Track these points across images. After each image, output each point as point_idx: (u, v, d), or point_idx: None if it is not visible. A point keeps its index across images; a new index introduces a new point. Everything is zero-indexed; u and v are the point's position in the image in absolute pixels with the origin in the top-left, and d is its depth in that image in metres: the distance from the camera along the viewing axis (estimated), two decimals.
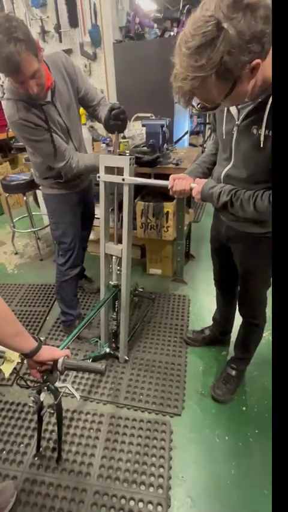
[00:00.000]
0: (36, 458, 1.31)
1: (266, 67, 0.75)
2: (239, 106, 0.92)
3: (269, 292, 1.27)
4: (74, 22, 2.25)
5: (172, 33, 2.28)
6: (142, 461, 1.27)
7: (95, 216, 2.37)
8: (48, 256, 2.89)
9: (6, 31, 1.05)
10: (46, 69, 1.28)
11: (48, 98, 1.33)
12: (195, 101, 0.88)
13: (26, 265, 2.79)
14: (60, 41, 2.35)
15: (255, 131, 0.88)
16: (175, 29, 2.30)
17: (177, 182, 1.15)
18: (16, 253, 3.00)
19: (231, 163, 1.04)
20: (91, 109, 1.55)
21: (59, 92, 1.36)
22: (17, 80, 1.17)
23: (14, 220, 3.00)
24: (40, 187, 1.67)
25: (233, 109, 0.94)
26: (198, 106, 0.84)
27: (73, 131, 1.50)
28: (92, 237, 2.91)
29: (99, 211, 2.32)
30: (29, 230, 2.92)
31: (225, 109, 0.97)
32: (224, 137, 1.02)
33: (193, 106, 0.84)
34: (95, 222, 2.43)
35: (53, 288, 2.37)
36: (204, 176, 1.21)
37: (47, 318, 2.12)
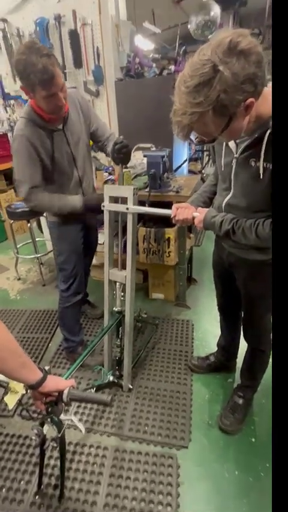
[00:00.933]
0: (37, 497, 1.25)
1: (259, 105, 0.82)
2: (237, 141, 0.98)
3: None
4: (78, 63, 2.43)
5: (169, 72, 2.44)
6: (149, 499, 1.21)
7: (99, 242, 2.42)
8: (50, 282, 2.90)
9: (37, 51, 1.18)
10: None
11: (60, 126, 1.43)
12: (193, 135, 0.94)
13: (29, 291, 2.80)
14: (65, 79, 2.52)
15: (253, 163, 0.94)
16: (172, 68, 2.46)
17: (180, 212, 1.19)
18: (19, 279, 3.02)
19: (231, 193, 1.08)
20: (100, 143, 1.66)
21: (72, 122, 1.46)
22: (49, 92, 1.24)
23: (18, 246, 3.04)
24: (44, 214, 1.71)
25: (231, 143, 1.00)
26: (196, 140, 0.90)
27: (79, 162, 1.56)
28: (95, 262, 2.94)
29: (102, 236, 2.37)
30: (32, 256, 2.96)
31: (224, 143, 1.03)
32: (223, 169, 1.08)
33: (191, 140, 0.89)
34: (99, 248, 2.47)
35: (55, 314, 2.36)
36: (205, 206, 1.25)
37: (50, 344, 2.10)
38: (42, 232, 3.37)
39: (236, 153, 0.99)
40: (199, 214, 1.15)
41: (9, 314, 2.44)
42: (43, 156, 1.42)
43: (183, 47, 2.67)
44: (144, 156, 1.81)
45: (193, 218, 1.17)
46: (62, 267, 1.73)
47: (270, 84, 0.81)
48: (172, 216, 1.22)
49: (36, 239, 2.97)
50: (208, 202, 1.27)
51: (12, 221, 2.84)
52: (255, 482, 1.26)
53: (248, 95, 0.75)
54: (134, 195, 1.33)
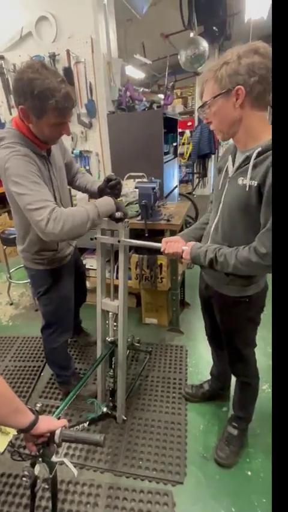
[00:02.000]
0: None
1: (257, 124, 0.96)
2: (235, 162, 1.07)
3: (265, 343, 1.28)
4: None
5: (158, 105, 2.57)
6: None
7: (91, 268, 2.44)
8: None
9: (55, 74, 1.09)
10: None
11: (46, 154, 1.32)
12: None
13: (21, 316, 2.77)
14: None
15: (241, 181, 1.00)
16: (162, 102, 2.60)
17: (170, 245, 1.23)
18: (11, 304, 2.99)
19: (218, 214, 1.13)
20: (70, 175, 1.58)
21: (53, 153, 1.39)
22: (63, 120, 1.16)
23: (11, 271, 3.04)
24: (24, 262, 1.51)
25: (230, 166, 1.08)
26: (203, 116, 1.04)
27: (61, 192, 1.46)
28: (88, 285, 2.95)
29: (94, 262, 2.40)
30: (26, 281, 2.95)
31: (225, 167, 1.11)
32: (219, 189, 1.13)
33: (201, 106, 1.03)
34: (91, 273, 2.49)
35: None
36: (195, 241, 1.30)
37: (42, 373, 2.06)
38: None
39: (231, 173, 1.06)
40: (187, 248, 1.19)
41: (1, 342, 2.40)
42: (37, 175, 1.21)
43: (172, 77, 2.82)
44: (136, 188, 1.88)
45: (182, 251, 1.21)
46: (51, 314, 1.57)
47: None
48: (162, 250, 1.26)
49: None
50: (198, 239, 1.31)
51: (5, 247, 2.86)
52: None
53: (240, 80, 0.91)
54: (125, 227, 1.37)
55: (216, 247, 1.09)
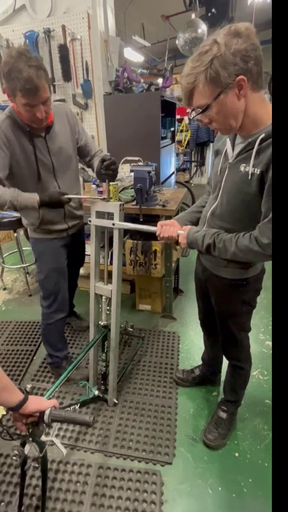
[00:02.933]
0: None
1: (258, 107, 0.91)
2: (235, 145, 1.02)
3: (256, 330, 1.29)
4: (67, 76, 2.46)
5: (157, 88, 2.50)
6: None
7: (86, 253, 2.42)
8: (37, 292, 2.87)
9: (27, 60, 1.18)
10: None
11: (42, 134, 1.41)
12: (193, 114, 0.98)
13: (14, 301, 2.76)
14: (54, 92, 2.54)
15: (242, 168, 0.97)
16: (160, 82, 2.52)
17: (165, 229, 1.21)
18: (4, 289, 2.97)
19: (218, 200, 1.11)
20: (87, 158, 1.66)
21: (55, 133, 1.44)
22: (31, 102, 1.23)
23: (4, 256, 3.00)
24: (28, 230, 1.68)
25: (229, 150, 1.04)
26: (193, 113, 0.96)
27: (60, 173, 1.52)
28: (82, 272, 2.93)
29: (88, 247, 2.37)
30: (19, 266, 2.92)
31: (224, 150, 1.06)
32: (218, 174, 1.09)
33: (192, 110, 0.96)
34: (85, 259, 2.47)
35: (40, 326, 2.33)
36: (191, 225, 1.28)
37: (34, 357, 2.06)
38: (29, 241, 3.33)
39: (231, 159, 1.03)
40: (183, 232, 1.17)
41: None
42: (19, 159, 1.38)
43: (172, 62, 2.74)
44: (131, 171, 1.84)
45: (178, 236, 1.19)
46: (42, 284, 1.69)
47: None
48: (157, 234, 1.24)
49: (23, 248, 2.93)
50: (195, 222, 1.28)
51: None
52: (237, 499, 1.26)
53: (239, 70, 0.83)
54: (120, 210, 1.34)
55: (215, 232, 1.07)
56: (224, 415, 1.49)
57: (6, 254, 3.15)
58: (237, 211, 1.04)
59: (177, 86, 6.46)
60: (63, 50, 2.39)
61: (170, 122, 2.91)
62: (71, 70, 2.43)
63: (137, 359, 1.97)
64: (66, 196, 1.42)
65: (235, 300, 1.21)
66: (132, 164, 1.91)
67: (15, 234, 2.77)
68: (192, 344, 2.11)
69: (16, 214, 2.68)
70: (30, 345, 2.17)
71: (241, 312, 1.24)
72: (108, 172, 1.39)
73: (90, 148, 1.64)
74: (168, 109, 2.72)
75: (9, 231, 3.97)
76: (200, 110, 0.92)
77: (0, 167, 1.35)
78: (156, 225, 1.25)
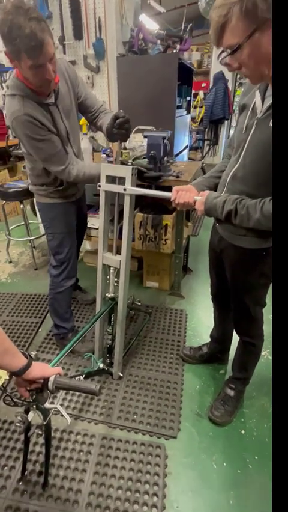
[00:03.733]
0: (20, 483, 1.22)
1: None
2: (265, 98, 0.91)
3: (266, 311, 1.22)
4: (78, 34, 2.28)
5: (175, 51, 2.32)
6: (135, 488, 1.19)
7: (94, 227, 2.35)
8: (43, 266, 2.83)
9: (25, 13, 1.03)
10: None
11: (52, 100, 1.31)
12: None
13: (20, 274, 2.73)
14: (64, 52, 2.38)
15: (271, 124, 0.86)
16: (178, 47, 2.34)
17: (181, 194, 1.12)
18: (10, 262, 2.94)
19: (240, 162, 1.01)
20: (90, 114, 1.53)
21: (62, 95, 1.35)
22: (36, 62, 1.10)
23: (10, 228, 2.95)
24: (35, 196, 1.62)
25: (259, 103, 0.93)
26: (223, 54, 0.83)
27: (72, 137, 1.46)
28: (89, 247, 2.88)
29: (97, 221, 2.30)
30: (25, 238, 2.87)
31: (252, 104, 0.95)
32: (243, 132, 0.99)
33: (222, 51, 0.82)
34: (93, 233, 2.40)
35: (46, 299, 2.30)
36: (208, 188, 1.18)
37: (39, 329, 2.05)
38: (36, 215, 3.26)
39: (259, 113, 0.92)
40: (201, 198, 1.08)
41: None
42: (47, 129, 1.32)
43: (190, 25, 2.53)
44: (145, 137, 1.72)
45: (194, 202, 1.11)
46: (56, 251, 1.65)
47: None
48: (172, 199, 1.15)
49: (30, 222, 2.87)
50: (213, 188, 1.18)
51: (4, 202, 2.74)
52: (243, 475, 1.24)
53: None
54: (132, 175, 1.25)
55: (237, 197, 0.98)
56: (231, 392, 1.45)
57: (13, 226, 3.10)
58: (262, 174, 0.94)
59: (196, 50, 6.10)
60: (75, 4, 2.19)
61: (186, 91, 2.73)
62: (83, 28, 2.25)
63: (143, 335, 1.94)
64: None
65: (253, 272, 1.13)
66: (146, 130, 1.79)
67: (22, 206, 2.70)
68: (199, 323, 2.06)
69: (22, 185, 2.60)
70: (35, 317, 2.15)
71: (258, 285, 1.16)
72: (120, 131, 1.28)
73: (92, 102, 1.51)
74: (185, 76, 2.54)
75: (16, 205, 3.91)
76: (230, 51, 0.79)
77: (61, 151, 1.36)
78: (170, 197, 1.16)
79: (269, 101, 0.89)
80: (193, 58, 4.84)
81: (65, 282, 1.70)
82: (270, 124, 0.87)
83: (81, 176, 1.42)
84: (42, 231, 3.04)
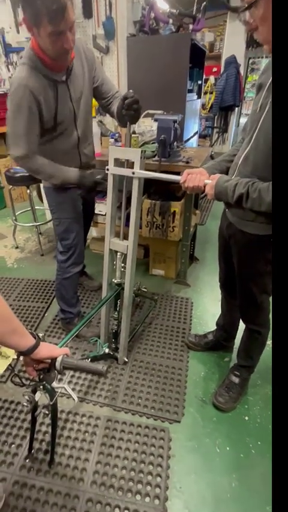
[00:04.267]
0: (27, 460, 1.25)
1: None
2: None
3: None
4: (88, 13, 2.21)
5: (187, 31, 2.23)
6: (138, 469, 1.21)
7: (101, 213, 2.33)
8: (49, 252, 2.84)
9: None
10: None
11: (64, 78, 1.26)
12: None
13: (26, 260, 2.74)
14: None
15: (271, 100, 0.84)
16: (190, 26, 2.25)
17: (191, 178, 1.10)
18: (17, 248, 2.95)
19: (252, 142, 0.98)
20: (104, 100, 1.49)
21: (75, 75, 1.30)
22: (57, 28, 1.05)
23: (17, 214, 2.95)
24: (42, 181, 1.60)
25: None
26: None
27: (80, 120, 1.42)
28: (95, 234, 2.87)
29: (104, 207, 2.28)
30: (31, 224, 2.87)
31: (268, 83, 0.91)
32: (257, 112, 0.96)
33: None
34: (100, 219, 2.39)
35: (52, 284, 2.31)
36: (220, 172, 1.15)
37: (46, 314, 2.06)
38: (42, 201, 3.25)
39: None
40: (211, 181, 1.05)
41: (5, 282, 2.39)
42: (44, 111, 1.27)
43: (204, 3, 2.42)
44: (155, 120, 1.68)
45: (204, 186, 1.08)
46: (63, 237, 1.63)
47: None
48: (181, 182, 1.12)
49: (36, 207, 2.86)
50: (225, 172, 1.15)
51: (11, 187, 2.73)
52: (245, 459, 1.26)
53: None
54: (141, 158, 1.22)
55: (249, 180, 0.95)
56: (236, 380, 1.46)
57: (19, 212, 3.09)
58: None
59: (208, 31, 5.88)
60: None
61: (198, 74, 2.64)
62: (93, 4, 2.17)
63: (148, 321, 1.94)
64: (98, 176, 1.46)
65: (260, 258, 1.11)
66: (156, 112, 1.75)
67: (28, 192, 2.68)
68: (205, 311, 2.06)
69: None
70: (41, 302, 2.16)
71: (265, 272, 1.14)
72: (129, 112, 1.24)
73: (108, 88, 1.47)
74: (197, 58, 2.45)
75: (22, 191, 3.90)
76: (246, 5, 0.78)
77: (34, 140, 1.29)
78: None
79: None
80: (206, 39, 4.67)
81: (72, 268, 1.70)
82: None
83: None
84: (48, 216, 3.04)
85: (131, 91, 1.24)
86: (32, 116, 1.25)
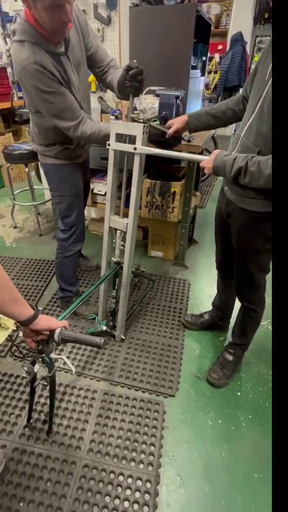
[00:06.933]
0: (26, 429, 1.30)
1: None
2: None
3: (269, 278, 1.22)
4: None
5: (193, 1, 2.13)
6: (133, 438, 1.26)
7: (100, 193, 2.31)
8: (47, 232, 2.83)
9: None
10: None
11: (63, 49, 1.20)
12: None
13: (25, 240, 2.73)
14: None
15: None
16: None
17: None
18: (15, 227, 2.93)
19: (256, 112, 0.97)
20: (99, 69, 1.43)
21: (72, 45, 1.23)
22: (56, 1, 0.98)
23: (15, 193, 2.91)
24: (40, 158, 1.54)
25: None
26: None
27: (81, 92, 1.37)
28: (94, 215, 2.85)
29: (103, 187, 2.25)
30: (30, 203, 2.84)
31: None
32: (265, 78, 0.93)
33: None
34: (99, 199, 2.36)
35: (51, 264, 2.32)
36: (200, 125, 1.24)
37: (44, 293, 2.08)
38: (40, 181, 3.21)
39: None
40: (209, 156, 1.04)
41: (4, 261, 2.39)
42: (58, 81, 1.20)
43: None
44: (157, 95, 1.63)
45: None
46: (65, 214, 1.61)
47: None
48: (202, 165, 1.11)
49: (35, 187, 2.82)
50: (205, 126, 1.23)
51: (9, 165, 2.68)
52: (236, 431, 1.31)
53: None
54: (144, 133, 1.20)
55: (248, 155, 0.94)
56: (230, 357, 1.49)
57: (18, 191, 3.06)
58: None
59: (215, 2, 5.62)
60: None
61: (203, 49, 2.54)
62: None
63: (146, 301, 1.97)
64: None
65: (259, 236, 1.11)
66: (158, 88, 1.69)
67: (27, 170, 2.64)
68: (202, 292, 2.08)
69: (28, 147, 2.52)
70: (40, 281, 2.17)
71: (263, 250, 1.15)
72: (133, 83, 1.19)
73: (102, 55, 1.40)
74: (202, 32, 2.35)
75: (20, 170, 3.84)
76: None
77: (74, 104, 1.26)
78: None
79: None
80: (212, 12, 4.48)
81: (73, 246, 1.69)
82: None
83: (95, 135, 1.32)
84: (47, 196, 3.00)
85: (134, 60, 1.18)
86: (55, 86, 1.19)
